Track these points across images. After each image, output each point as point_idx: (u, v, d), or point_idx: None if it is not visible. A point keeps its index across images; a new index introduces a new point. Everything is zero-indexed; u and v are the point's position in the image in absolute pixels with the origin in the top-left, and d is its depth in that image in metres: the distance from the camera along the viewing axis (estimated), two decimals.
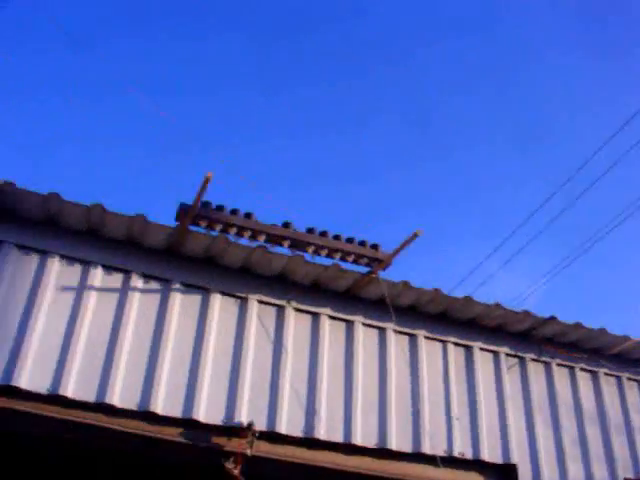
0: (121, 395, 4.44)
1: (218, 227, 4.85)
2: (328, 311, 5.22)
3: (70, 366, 4.40)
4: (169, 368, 4.63)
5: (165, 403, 4.52)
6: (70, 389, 4.35)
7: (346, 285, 5.23)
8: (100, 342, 4.56)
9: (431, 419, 5.13)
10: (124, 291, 4.77)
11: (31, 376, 4.30)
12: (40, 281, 4.57)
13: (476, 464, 5.17)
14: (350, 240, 5.16)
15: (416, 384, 5.22)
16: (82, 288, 4.67)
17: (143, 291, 4.82)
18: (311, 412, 4.83)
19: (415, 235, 4.94)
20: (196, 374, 4.66)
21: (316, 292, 5.24)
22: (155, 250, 4.94)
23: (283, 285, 5.16)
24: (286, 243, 5.01)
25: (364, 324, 5.30)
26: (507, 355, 5.66)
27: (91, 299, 4.65)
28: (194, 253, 4.96)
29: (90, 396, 4.39)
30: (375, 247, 5.21)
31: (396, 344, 5.31)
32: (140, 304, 4.77)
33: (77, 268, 4.73)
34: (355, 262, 5.18)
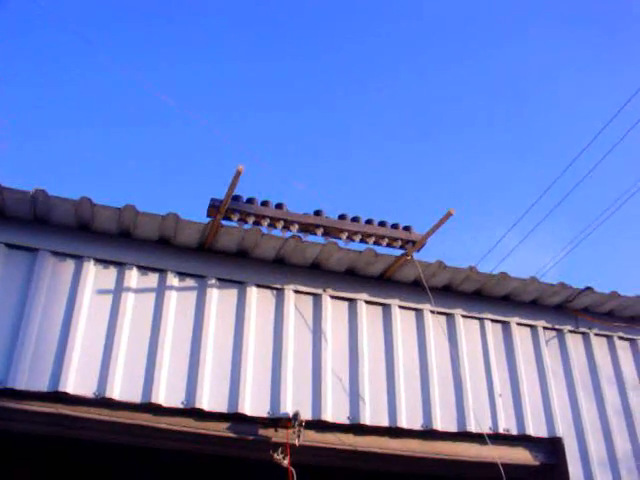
0: (166, 394, 4.45)
1: (250, 220, 4.83)
2: (364, 296, 5.20)
3: (114, 369, 4.40)
4: (211, 364, 4.63)
5: (210, 399, 4.53)
6: (116, 391, 4.36)
7: (381, 269, 5.20)
8: (141, 343, 4.57)
9: (474, 397, 5.12)
10: (161, 290, 4.76)
11: (77, 381, 4.31)
12: (77, 286, 4.57)
13: (522, 439, 5.17)
14: (382, 224, 5.13)
15: (456, 363, 5.21)
16: (119, 290, 4.66)
17: (179, 289, 4.81)
18: (355, 398, 4.83)
19: (449, 214, 4.88)
20: (239, 368, 4.66)
21: (351, 278, 5.22)
22: (189, 248, 4.92)
23: (318, 273, 5.14)
24: (319, 231, 4.99)
25: (401, 307, 5.28)
26: (544, 328, 5.63)
27: (129, 300, 4.65)
28: (227, 248, 4.94)
29: (136, 397, 4.40)
30: (408, 229, 5.17)
31: (434, 325, 5.29)
32: (178, 302, 4.76)
33: (112, 271, 4.72)
34: (389, 245, 5.15)
